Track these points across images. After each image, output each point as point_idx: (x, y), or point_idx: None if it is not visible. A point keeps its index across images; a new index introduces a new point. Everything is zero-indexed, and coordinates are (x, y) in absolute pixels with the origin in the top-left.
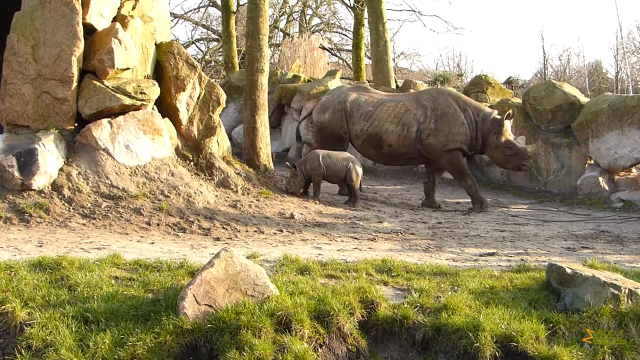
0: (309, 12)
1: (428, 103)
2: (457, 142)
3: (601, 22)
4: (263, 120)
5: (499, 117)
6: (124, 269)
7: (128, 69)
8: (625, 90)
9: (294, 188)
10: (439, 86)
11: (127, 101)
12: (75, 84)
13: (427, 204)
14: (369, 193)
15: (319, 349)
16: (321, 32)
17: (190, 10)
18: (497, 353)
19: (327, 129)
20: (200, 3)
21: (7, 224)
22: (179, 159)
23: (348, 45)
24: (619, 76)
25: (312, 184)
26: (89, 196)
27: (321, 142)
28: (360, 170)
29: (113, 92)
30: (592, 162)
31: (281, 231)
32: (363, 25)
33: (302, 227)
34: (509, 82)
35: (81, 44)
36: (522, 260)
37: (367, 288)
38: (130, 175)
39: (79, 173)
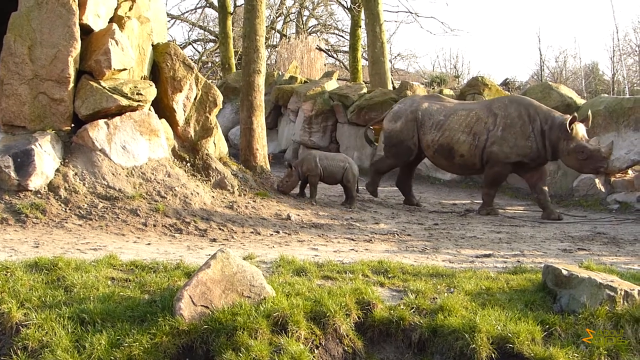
0: (306, 13)
1: (499, 111)
2: (519, 155)
3: (598, 24)
4: (260, 122)
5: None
6: (121, 270)
7: (125, 69)
8: (622, 92)
9: (286, 187)
10: (435, 88)
11: (124, 102)
12: (71, 85)
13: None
14: (365, 194)
15: (315, 350)
16: (318, 33)
17: (187, 11)
18: (493, 354)
19: (396, 138)
20: (197, 4)
21: (4, 224)
22: (176, 159)
23: (345, 46)
24: (615, 78)
25: (308, 185)
26: (86, 197)
27: (388, 151)
28: (356, 171)
29: (110, 93)
30: None
31: (277, 232)
32: (360, 26)
33: (298, 228)
34: (506, 84)
35: (78, 45)
36: (518, 261)
37: (364, 289)
38: (127, 176)
39: (76, 174)
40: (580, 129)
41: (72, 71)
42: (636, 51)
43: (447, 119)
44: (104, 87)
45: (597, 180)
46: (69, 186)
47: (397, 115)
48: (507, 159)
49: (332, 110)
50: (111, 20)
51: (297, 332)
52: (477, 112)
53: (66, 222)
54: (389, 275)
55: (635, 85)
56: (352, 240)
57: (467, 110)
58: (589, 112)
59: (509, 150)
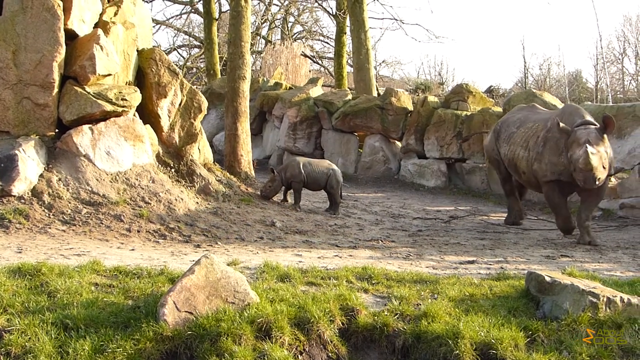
0: (291, 19)
1: (550, 123)
2: (555, 172)
3: (581, 32)
4: (244, 128)
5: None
6: (104, 276)
7: (109, 75)
8: (605, 100)
9: (269, 192)
10: (420, 95)
11: (108, 107)
12: (56, 90)
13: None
14: (349, 201)
15: (299, 356)
16: (303, 39)
17: (172, 17)
18: None
19: (487, 153)
20: (182, 10)
21: None
22: (160, 165)
23: (330, 53)
24: (598, 86)
25: (292, 191)
26: (69, 202)
27: (488, 166)
28: (340, 177)
29: (94, 98)
30: None
31: (262, 238)
32: (345, 33)
33: (282, 234)
34: (490, 91)
35: (62, 50)
36: (502, 268)
37: (348, 295)
38: (111, 182)
39: (59, 179)
40: (580, 135)
41: (56, 76)
42: (619, 59)
43: (516, 131)
44: (88, 93)
45: None
46: (53, 191)
47: (491, 129)
48: (545, 177)
49: (316, 117)
50: (96, 26)
51: (281, 338)
52: (538, 125)
53: (50, 228)
54: (373, 282)
55: (618, 93)
56: (336, 246)
57: (534, 122)
58: (609, 114)
59: (545, 168)
